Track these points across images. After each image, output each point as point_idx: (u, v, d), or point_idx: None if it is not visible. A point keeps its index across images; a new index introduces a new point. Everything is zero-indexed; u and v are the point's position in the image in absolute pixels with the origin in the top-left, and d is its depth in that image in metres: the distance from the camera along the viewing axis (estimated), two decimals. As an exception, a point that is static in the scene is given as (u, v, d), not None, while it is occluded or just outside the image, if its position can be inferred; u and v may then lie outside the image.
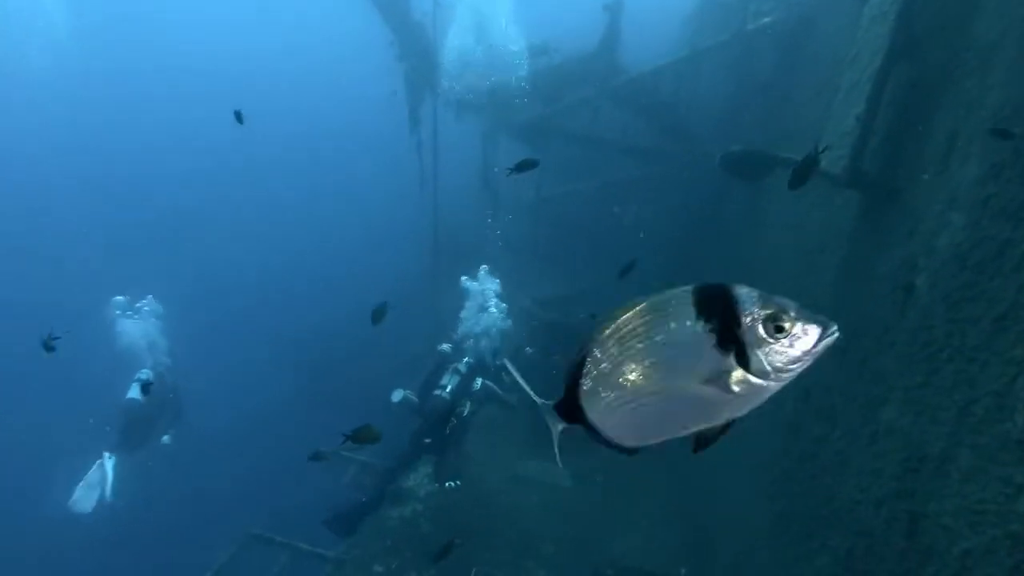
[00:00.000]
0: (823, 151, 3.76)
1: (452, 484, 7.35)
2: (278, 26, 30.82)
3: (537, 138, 9.05)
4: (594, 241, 12.16)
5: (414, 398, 7.19)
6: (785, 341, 1.30)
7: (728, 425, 1.41)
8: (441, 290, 9.73)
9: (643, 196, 10.29)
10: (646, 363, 1.39)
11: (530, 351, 8.43)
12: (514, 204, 10.26)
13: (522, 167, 4.54)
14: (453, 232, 10.16)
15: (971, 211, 3.23)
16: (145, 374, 8.77)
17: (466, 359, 7.43)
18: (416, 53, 8.75)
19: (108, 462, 8.29)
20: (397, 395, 7.06)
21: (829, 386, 4.51)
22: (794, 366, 1.31)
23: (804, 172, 3.68)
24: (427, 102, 9.39)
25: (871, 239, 4.37)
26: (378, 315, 4.49)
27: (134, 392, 8.54)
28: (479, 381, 7.34)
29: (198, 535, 8.42)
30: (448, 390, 7.01)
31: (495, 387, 7.45)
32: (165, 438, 8.86)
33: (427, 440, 7.10)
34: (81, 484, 8.15)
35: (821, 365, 1.28)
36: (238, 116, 4.65)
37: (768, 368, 1.31)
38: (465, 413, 7.14)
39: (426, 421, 7.09)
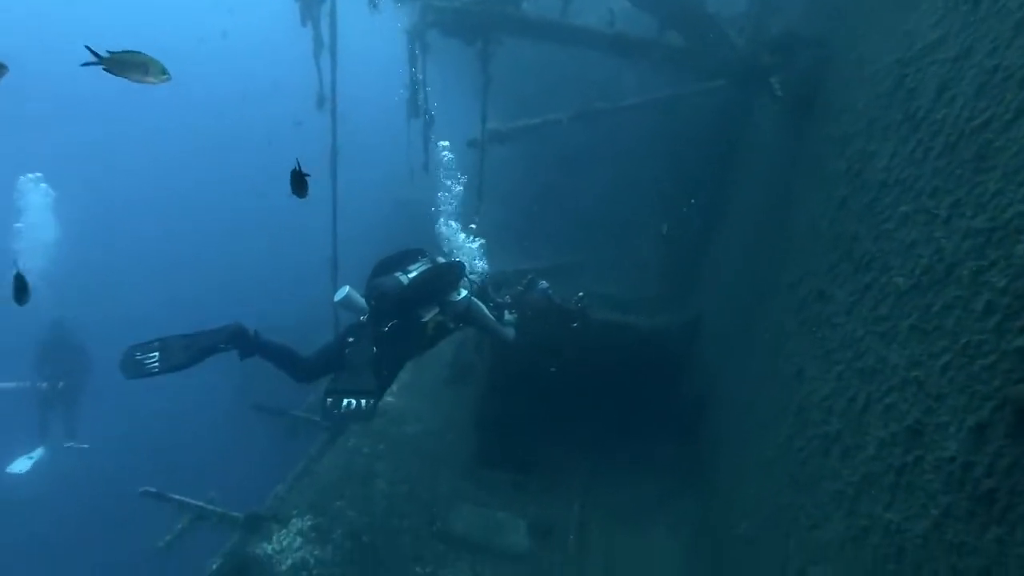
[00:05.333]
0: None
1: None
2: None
3: (480, 35, 6.10)
4: (566, 198, 9.31)
5: (361, 299, 5.12)
6: None
7: None
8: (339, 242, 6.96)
9: (642, 130, 7.49)
10: None
11: (545, 285, 6.26)
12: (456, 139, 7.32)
13: None
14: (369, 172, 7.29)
15: None
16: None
17: (454, 258, 5.62)
18: None
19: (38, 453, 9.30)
20: (341, 292, 5.22)
21: None
22: None
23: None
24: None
25: None
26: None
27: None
28: (463, 292, 5.29)
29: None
30: (410, 277, 5.04)
31: (486, 310, 5.46)
32: (70, 444, 9.24)
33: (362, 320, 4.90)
34: (20, 458, 9.22)
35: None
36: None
37: None
38: (425, 319, 4.97)
39: (366, 303, 5.01)
